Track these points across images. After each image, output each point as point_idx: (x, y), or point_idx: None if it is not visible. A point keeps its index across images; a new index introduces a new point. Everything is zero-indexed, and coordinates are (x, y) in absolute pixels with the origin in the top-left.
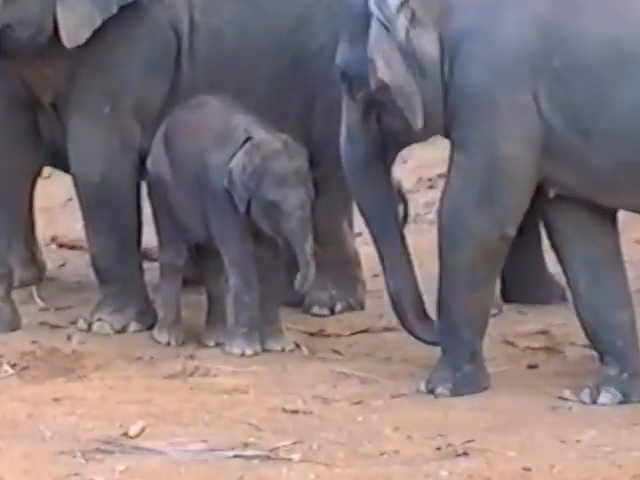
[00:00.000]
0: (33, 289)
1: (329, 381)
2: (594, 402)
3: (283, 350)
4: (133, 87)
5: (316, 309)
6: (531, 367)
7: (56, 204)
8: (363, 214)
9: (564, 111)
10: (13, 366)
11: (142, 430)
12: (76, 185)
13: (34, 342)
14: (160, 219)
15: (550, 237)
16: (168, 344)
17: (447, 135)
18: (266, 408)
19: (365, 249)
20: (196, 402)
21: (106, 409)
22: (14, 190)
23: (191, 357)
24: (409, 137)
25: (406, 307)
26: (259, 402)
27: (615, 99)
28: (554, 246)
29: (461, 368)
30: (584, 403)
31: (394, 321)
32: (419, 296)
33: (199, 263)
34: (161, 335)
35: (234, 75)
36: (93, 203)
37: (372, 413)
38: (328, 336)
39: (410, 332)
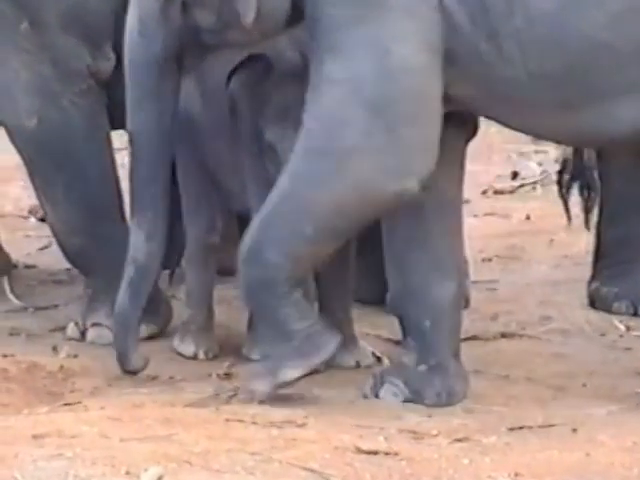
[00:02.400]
0: (4, 282)
1: (421, 409)
2: (376, 396)
3: (357, 365)
4: None
5: None
6: None
7: None
8: (134, 137)
9: (471, 6)
10: None
11: (158, 479)
12: (9, 135)
13: (5, 356)
14: (187, 178)
15: None
16: (194, 358)
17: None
18: (332, 447)
19: (472, 221)
20: (234, 439)
21: (107, 450)
22: None
23: (227, 376)
24: (223, 37)
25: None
26: (323, 439)
27: None
28: None
29: (294, 333)
30: (366, 397)
31: (514, 324)
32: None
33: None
34: (185, 345)
35: None
36: (36, 157)
37: (482, 454)
38: None
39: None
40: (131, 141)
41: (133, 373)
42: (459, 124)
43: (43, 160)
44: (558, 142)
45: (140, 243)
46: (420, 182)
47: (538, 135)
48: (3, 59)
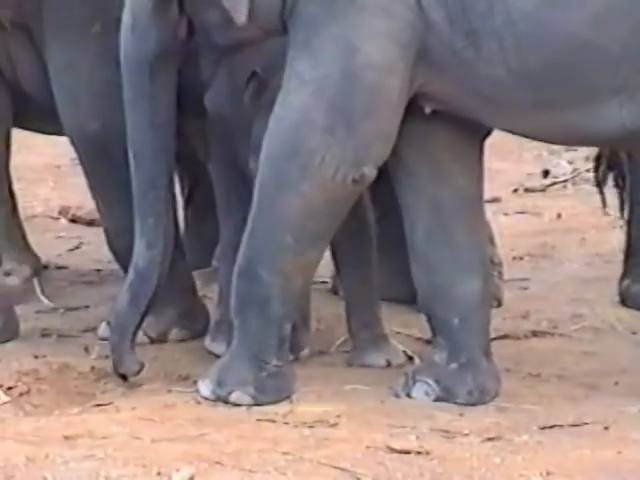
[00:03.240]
0: (35, 282)
1: (453, 408)
2: (408, 395)
3: (388, 364)
4: None
5: None
6: None
7: (66, 161)
8: (130, 140)
9: (449, 5)
10: (7, 390)
11: None
12: (69, 138)
13: (36, 357)
14: (219, 176)
15: (391, 163)
16: None
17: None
18: (364, 447)
19: (503, 220)
20: (265, 439)
21: (138, 450)
22: None
23: None
24: (228, 37)
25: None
26: (354, 438)
27: None
28: (394, 178)
29: (266, 364)
30: (397, 396)
31: (545, 322)
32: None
33: None
34: (217, 344)
35: None
36: (95, 161)
37: (514, 453)
38: None
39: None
40: (130, 144)
41: (124, 377)
42: (472, 122)
43: (101, 162)
44: (543, 141)
45: (142, 249)
46: (376, 168)
47: (521, 134)
48: (71, 62)
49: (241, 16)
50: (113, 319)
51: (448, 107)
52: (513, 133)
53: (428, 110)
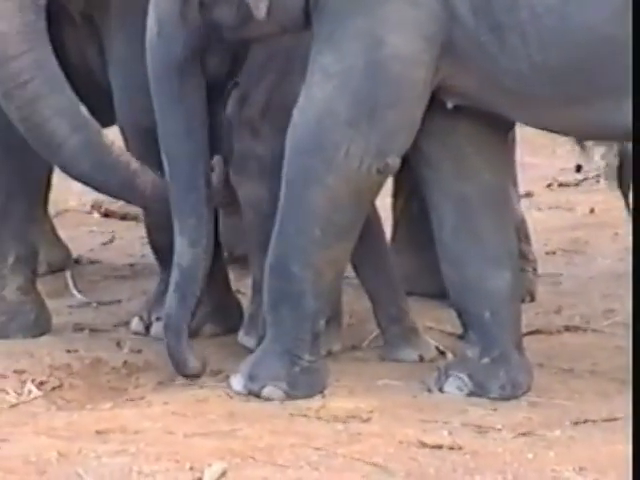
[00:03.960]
0: (67, 276)
1: (485, 403)
2: (440, 390)
3: (421, 359)
4: None
5: None
6: None
7: None
8: (165, 144)
9: None
10: (40, 385)
11: (222, 475)
12: (123, 129)
13: (69, 351)
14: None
15: (416, 160)
16: None
17: (305, 28)
18: (396, 442)
19: (536, 215)
20: (298, 434)
21: (171, 445)
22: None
23: None
24: (244, 33)
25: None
26: (387, 433)
27: None
28: (419, 174)
29: (299, 359)
30: (430, 391)
31: (577, 317)
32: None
33: None
34: (250, 339)
35: None
36: (144, 154)
37: (547, 448)
38: None
39: None
40: (162, 147)
41: (194, 377)
42: (495, 116)
43: (150, 157)
44: (566, 135)
45: (184, 249)
46: (399, 158)
47: (542, 128)
48: (131, 56)
49: (261, 11)
50: (164, 322)
51: (470, 101)
52: (535, 127)
53: (450, 105)
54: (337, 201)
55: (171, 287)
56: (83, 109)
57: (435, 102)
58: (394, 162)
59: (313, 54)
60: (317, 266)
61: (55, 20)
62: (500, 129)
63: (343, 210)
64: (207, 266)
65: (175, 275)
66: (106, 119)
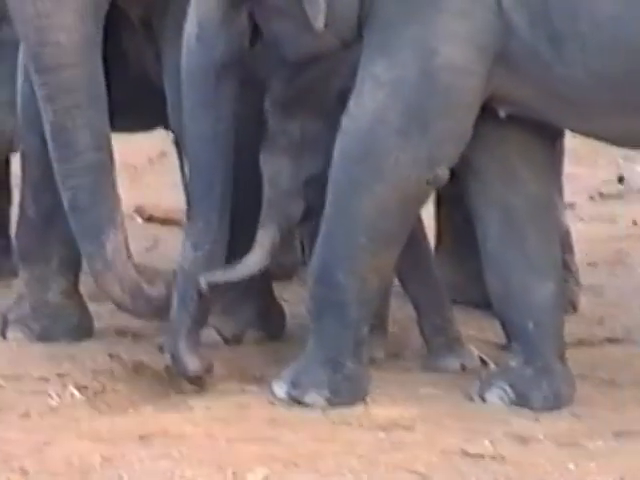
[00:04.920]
0: None
1: (528, 413)
2: (482, 399)
3: (463, 368)
4: None
5: None
6: None
7: (142, 160)
8: (189, 145)
9: (532, 8)
10: (82, 389)
11: None
12: (177, 134)
13: (111, 356)
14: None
15: (463, 169)
16: None
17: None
18: (438, 451)
19: (578, 226)
20: (340, 442)
21: (213, 450)
22: None
23: None
24: (299, 46)
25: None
26: (429, 442)
27: None
28: (465, 184)
29: (342, 366)
30: (472, 400)
31: (619, 329)
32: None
33: None
34: None
35: None
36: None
37: (588, 459)
38: None
39: None
40: (187, 149)
41: (195, 380)
42: (541, 125)
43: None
44: (620, 145)
45: (188, 251)
46: (449, 169)
47: (597, 137)
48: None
49: (320, 22)
50: (169, 325)
51: (523, 110)
52: (589, 136)
53: (503, 114)
54: (385, 209)
55: (175, 289)
56: (110, 137)
57: (484, 112)
58: (443, 173)
59: (363, 62)
60: (362, 274)
61: (115, 25)
62: (548, 139)
63: (391, 218)
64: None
65: (178, 278)
66: (163, 122)
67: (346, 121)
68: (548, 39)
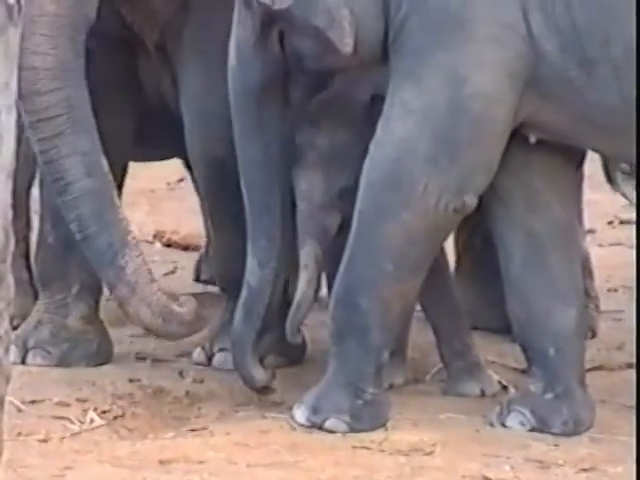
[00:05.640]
0: None
1: (548, 439)
2: (502, 424)
3: (483, 393)
4: None
5: None
6: None
7: (161, 185)
8: (242, 168)
9: (563, 34)
10: (102, 414)
11: None
12: (193, 161)
13: (131, 381)
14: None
15: (486, 194)
16: None
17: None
18: (459, 476)
19: (597, 251)
20: (361, 467)
21: (234, 476)
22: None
23: None
24: (325, 64)
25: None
26: (450, 467)
27: (631, 20)
28: (488, 208)
29: (363, 392)
30: (492, 425)
31: None
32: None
33: None
34: None
35: None
36: (216, 186)
37: None
38: None
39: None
40: (240, 171)
41: (265, 391)
42: (565, 150)
43: (222, 188)
44: None
45: (254, 268)
46: (477, 197)
47: (627, 161)
48: (208, 87)
49: (347, 46)
50: (232, 340)
51: (554, 135)
52: (623, 161)
53: (533, 140)
54: (412, 236)
55: (239, 304)
56: (104, 160)
57: (512, 138)
58: (471, 201)
59: (392, 88)
60: (386, 299)
61: (130, 52)
62: (572, 164)
63: (418, 245)
64: (279, 288)
65: (244, 293)
66: (182, 153)
67: (374, 148)
68: (579, 65)
